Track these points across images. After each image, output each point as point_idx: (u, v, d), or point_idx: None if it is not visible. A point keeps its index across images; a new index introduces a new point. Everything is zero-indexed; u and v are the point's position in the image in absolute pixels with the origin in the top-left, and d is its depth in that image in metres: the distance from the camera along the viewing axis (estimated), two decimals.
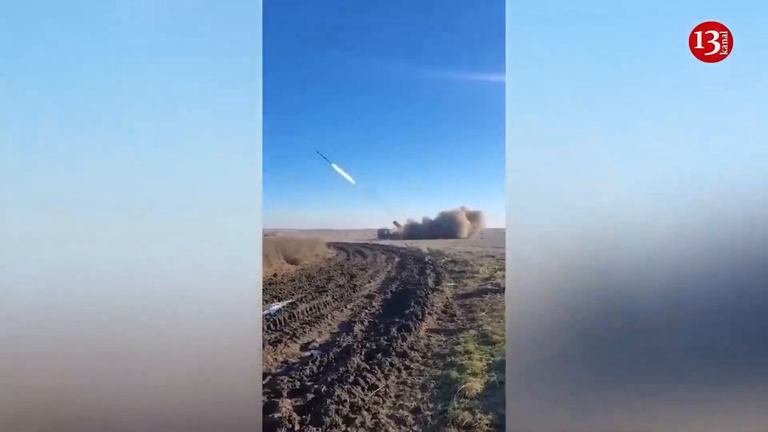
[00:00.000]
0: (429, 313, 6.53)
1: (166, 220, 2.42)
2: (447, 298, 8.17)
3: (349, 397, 3.55)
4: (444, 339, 5.35)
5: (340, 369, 4.17)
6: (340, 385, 3.75)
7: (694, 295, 2.24)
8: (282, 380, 4.00)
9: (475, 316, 6.42)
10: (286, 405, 3.47)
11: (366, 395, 3.65)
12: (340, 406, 3.37)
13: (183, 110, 2.50)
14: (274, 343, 5.27)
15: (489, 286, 9.19)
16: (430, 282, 10.16)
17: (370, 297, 8.77)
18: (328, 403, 3.39)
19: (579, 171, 2.36)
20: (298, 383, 3.99)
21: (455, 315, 6.65)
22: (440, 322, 6.29)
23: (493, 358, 4.37)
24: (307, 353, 5.09)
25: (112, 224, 2.42)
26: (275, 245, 15.57)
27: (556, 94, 2.38)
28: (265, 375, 4.27)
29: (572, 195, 2.34)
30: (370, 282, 11.00)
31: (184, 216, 2.41)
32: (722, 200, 2.36)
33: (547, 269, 2.30)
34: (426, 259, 16.76)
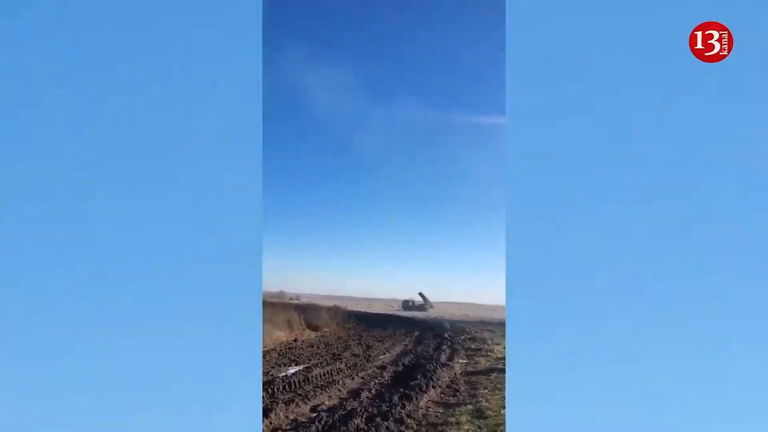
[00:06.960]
0: (433, 386, 6.93)
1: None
2: (455, 374, 8.50)
3: None
4: (442, 411, 5.76)
5: (342, 429, 4.69)
6: None
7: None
8: None
9: (476, 393, 6.77)
10: None
11: None
12: None
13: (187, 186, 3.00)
14: (287, 402, 5.81)
15: (500, 366, 9.43)
16: (443, 358, 10.46)
17: (382, 368, 9.17)
18: None
19: (582, 193, 2.53)
20: None
21: (458, 390, 7.01)
22: (443, 395, 6.67)
23: (480, 431, 4.78)
24: (315, 414, 5.60)
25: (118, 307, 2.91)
26: (298, 311, 16.25)
27: (556, 96, 2.38)
28: (275, 430, 4.83)
29: (575, 224, 2.51)
30: (385, 354, 11.36)
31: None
32: (722, 198, 2.36)
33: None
34: (445, 335, 16.91)
